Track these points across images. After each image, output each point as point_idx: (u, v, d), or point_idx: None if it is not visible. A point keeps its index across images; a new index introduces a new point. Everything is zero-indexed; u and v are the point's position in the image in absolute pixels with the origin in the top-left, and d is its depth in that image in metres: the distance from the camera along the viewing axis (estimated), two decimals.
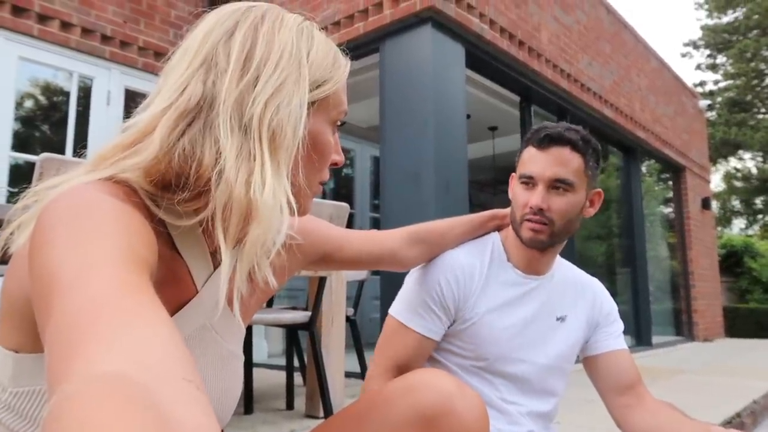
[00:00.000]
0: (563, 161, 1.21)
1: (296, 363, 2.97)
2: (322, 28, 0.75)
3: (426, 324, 1.26)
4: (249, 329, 2.75)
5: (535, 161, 1.22)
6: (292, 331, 2.92)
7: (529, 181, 1.23)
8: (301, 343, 3.02)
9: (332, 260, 1.07)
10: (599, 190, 1.30)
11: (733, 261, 12.42)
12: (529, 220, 1.22)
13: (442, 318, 1.26)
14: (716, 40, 22.20)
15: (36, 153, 4.00)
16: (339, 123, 0.77)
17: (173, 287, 0.67)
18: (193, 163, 0.61)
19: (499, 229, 1.37)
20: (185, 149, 0.61)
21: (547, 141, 1.22)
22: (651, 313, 6.93)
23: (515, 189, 1.28)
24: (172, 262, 0.66)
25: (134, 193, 0.61)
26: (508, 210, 1.35)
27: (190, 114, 0.63)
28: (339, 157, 0.77)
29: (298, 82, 0.67)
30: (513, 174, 1.33)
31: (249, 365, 2.57)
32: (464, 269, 1.27)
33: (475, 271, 1.27)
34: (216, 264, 0.73)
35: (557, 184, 1.21)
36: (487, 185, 8.52)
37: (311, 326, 2.32)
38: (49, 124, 4.41)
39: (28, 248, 0.51)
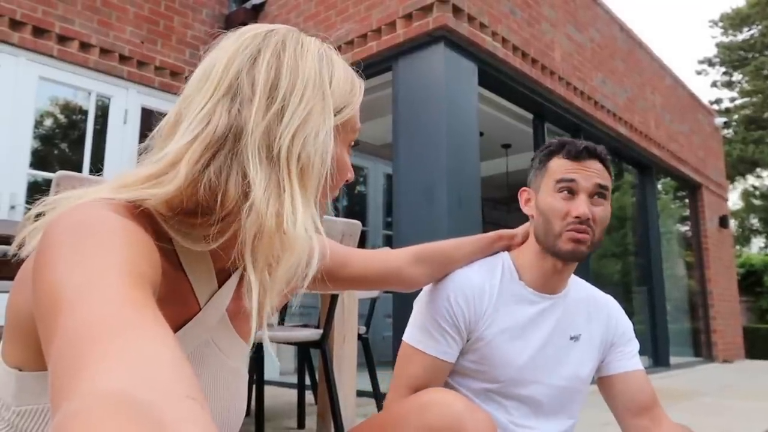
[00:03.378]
0: (600, 173, 1.22)
1: (308, 381, 2.95)
2: (336, 47, 0.76)
3: (439, 346, 1.23)
4: (261, 347, 2.74)
5: (573, 170, 1.21)
6: (304, 349, 2.90)
7: (570, 188, 1.20)
8: (313, 361, 3.01)
9: (337, 278, 1.06)
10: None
11: (752, 280, 12.22)
12: (572, 230, 1.18)
13: (455, 338, 1.23)
14: (732, 58, 22.12)
15: (54, 170, 4.05)
16: (354, 143, 0.78)
17: (175, 304, 0.66)
18: (219, 193, 0.61)
19: (507, 249, 1.34)
20: (211, 180, 0.61)
21: (585, 154, 1.21)
22: (668, 333, 6.81)
23: (548, 200, 1.22)
24: (175, 279, 0.66)
25: (141, 211, 0.60)
26: (515, 230, 1.33)
27: (216, 145, 0.62)
28: (351, 174, 0.78)
29: (323, 113, 0.67)
30: (524, 189, 1.31)
31: (261, 383, 2.55)
32: (474, 288, 1.24)
33: (485, 291, 1.25)
34: (221, 282, 0.72)
35: (600, 190, 1.20)
36: (501, 203, 8.50)
37: (323, 344, 2.31)
38: (67, 142, 4.48)
39: (32, 265, 0.51)
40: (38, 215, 0.62)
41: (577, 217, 1.17)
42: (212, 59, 0.68)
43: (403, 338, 1.30)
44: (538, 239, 1.25)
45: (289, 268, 0.63)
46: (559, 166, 1.23)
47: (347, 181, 0.78)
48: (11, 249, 0.62)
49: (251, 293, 0.61)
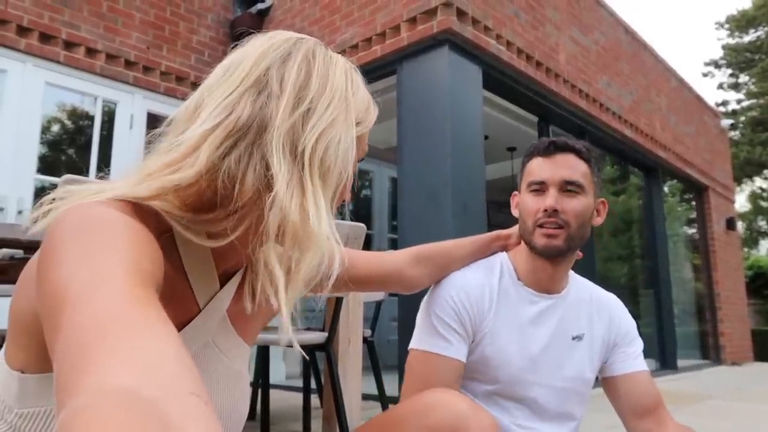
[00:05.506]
0: (571, 166, 1.22)
1: (314, 384, 2.94)
2: (341, 52, 0.77)
3: (452, 347, 1.21)
4: (266, 351, 2.75)
5: (543, 167, 1.23)
6: (309, 352, 2.90)
7: (539, 187, 1.22)
8: (318, 364, 3.01)
9: (341, 279, 1.05)
10: (604, 199, 1.31)
11: (760, 283, 12.14)
12: (542, 225, 1.20)
13: (462, 335, 1.22)
14: (738, 60, 22.03)
15: (61, 176, 4.08)
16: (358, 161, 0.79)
17: (175, 305, 0.66)
18: (237, 182, 0.62)
19: (504, 249, 1.35)
20: (230, 168, 0.62)
21: (553, 148, 1.23)
22: (676, 335, 6.77)
23: (524, 199, 1.27)
24: (175, 279, 0.66)
25: (146, 210, 0.60)
26: (511, 230, 1.34)
27: (237, 134, 0.63)
28: (348, 195, 0.79)
29: (346, 122, 0.68)
30: (515, 192, 1.33)
31: (266, 386, 2.56)
32: (475, 289, 1.24)
33: (485, 291, 1.25)
34: (222, 283, 0.73)
35: (569, 187, 1.21)
36: (506, 206, 8.46)
37: (328, 347, 2.31)
38: (74, 147, 4.51)
39: (37, 264, 0.51)
40: (55, 200, 0.61)
41: (544, 210, 1.20)
42: (240, 55, 0.69)
43: (411, 346, 1.27)
44: (522, 239, 1.28)
45: (311, 266, 0.63)
46: (532, 165, 1.26)
47: (344, 201, 0.78)
48: (23, 226, 0.62)
49: (260, 293, 0.62)
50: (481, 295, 1.24)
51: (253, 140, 0.63)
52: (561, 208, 1.19)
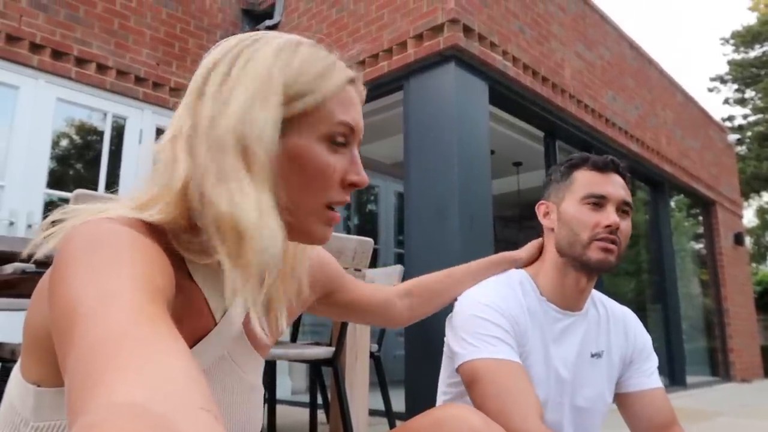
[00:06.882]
0: (625, 187, 1.23)
1: (320, 400, 2.93)
2: (347, 68, 0.76)
3: (514, 352, 1.12)
4: (273, 365, 2.74)
5: (603, 182, 1.21)
6: (316, 367, 2.89)
7: (599, 201, 1.19)
8: (325, 379, 3.00)
9: (334, 301, 1.02)
10: None
11: None
12: (602, 240, 1.17)
13: (514, 345, 1.15)
14: (744, 75, 22.00)
15: (70, 190, 4.11)
16: (342, 139, 0.70)
17: (192, 318, 0.67)
18: (200, 197, 0.62)
19: (512, 268, 1.30)
20: (191, 180, 0.63)
21: (612, 166, 1.23)
22: (684, 352, 6.70)
23: (573, 211, 1.21)
24: (191, 293, 0.67)
25: (154, 227, 0.61)
26: (519, 253, 1.31)
27: (190, 146, 0.64)
28: (357, 177, 0.71)
29: (266, 99, 0.64)
30: (542, 202, 1.29)
31: (273, 402, 2.55)
32: (511, 302, 1.18)
33: (519, 306, 1.19)
34: None
35: (625, 207, 1.21)
36: (512, 221, 8.47)
37: (335, 362, 2.30)
38: (83, 162, 4.55)
39: (48, 280, 0.52)
40: (55, 222, 0.62)
41: (607, 226, 1.16)
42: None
43: (469, 358, 1.13)
44: (562, 251, 1.22)
45: (255, 253, 0.60)
46: (585, 177, 1.22)
47: (355, 185, 0.71)
48: (25, 252, 0.63)
49: (227, 288, 0.61)
50: (519, 310, 1.19)
51: (192, 146, 0.64)
52: (620, 226, 1.18)
